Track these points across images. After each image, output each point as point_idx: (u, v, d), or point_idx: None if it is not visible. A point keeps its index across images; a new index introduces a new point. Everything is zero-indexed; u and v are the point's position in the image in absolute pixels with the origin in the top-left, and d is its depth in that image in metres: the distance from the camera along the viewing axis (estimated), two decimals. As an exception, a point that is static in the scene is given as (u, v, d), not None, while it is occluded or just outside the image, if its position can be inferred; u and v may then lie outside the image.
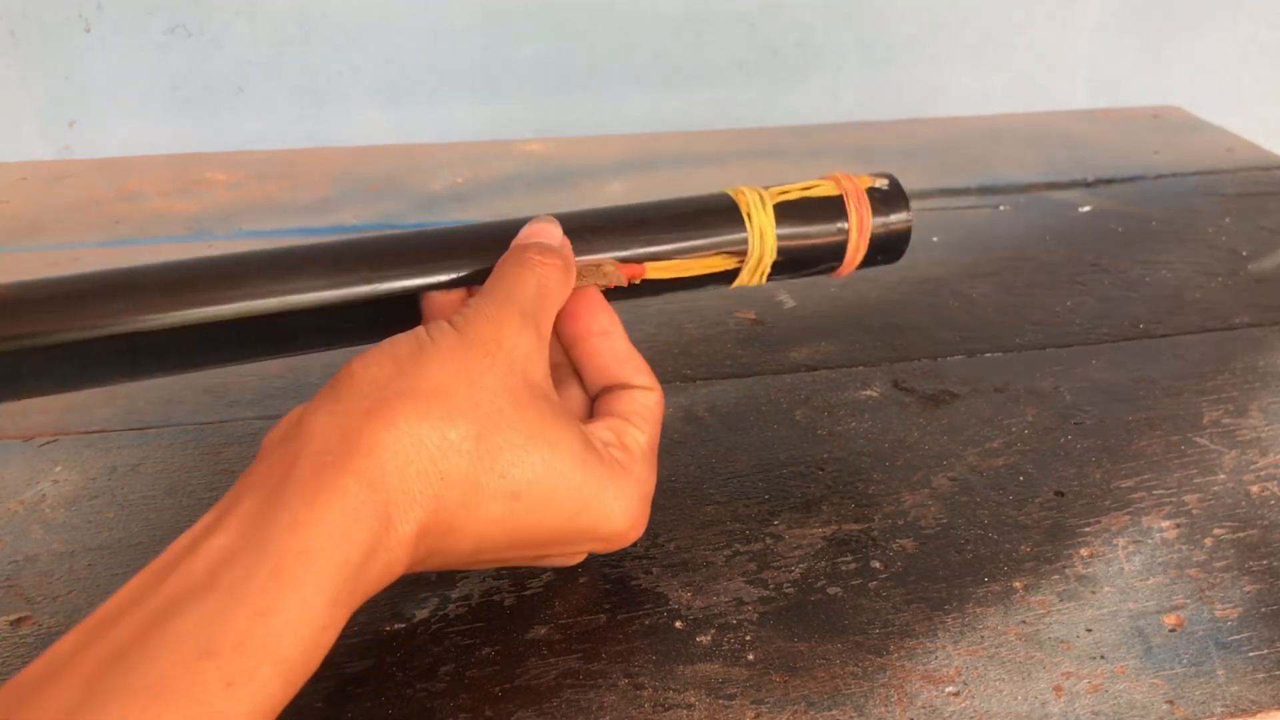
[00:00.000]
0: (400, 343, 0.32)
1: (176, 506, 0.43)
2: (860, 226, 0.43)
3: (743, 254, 0.41)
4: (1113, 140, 0.87)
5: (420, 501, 0.30)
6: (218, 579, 0.26)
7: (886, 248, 0.45)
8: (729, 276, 0.42)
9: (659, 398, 0.37)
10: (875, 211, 0.43)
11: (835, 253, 0.44)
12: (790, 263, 0.43)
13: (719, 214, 0.42)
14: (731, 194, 0.42)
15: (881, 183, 0.44)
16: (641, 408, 0.37)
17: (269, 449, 0.30)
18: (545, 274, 0.35)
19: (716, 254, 0.41)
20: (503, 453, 0.31)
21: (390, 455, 0.29)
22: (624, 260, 0.40)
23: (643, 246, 0.40)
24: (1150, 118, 0.93)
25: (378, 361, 0.31)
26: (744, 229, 0.41)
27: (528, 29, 0.94)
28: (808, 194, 0.42)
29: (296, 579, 0.27)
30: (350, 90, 0.93)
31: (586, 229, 0.40)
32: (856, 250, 0.44)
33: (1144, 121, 0.92)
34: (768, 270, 0.42)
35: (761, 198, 0.42)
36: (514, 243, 0.38)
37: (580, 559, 0.39)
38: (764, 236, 0.41)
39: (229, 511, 0.28)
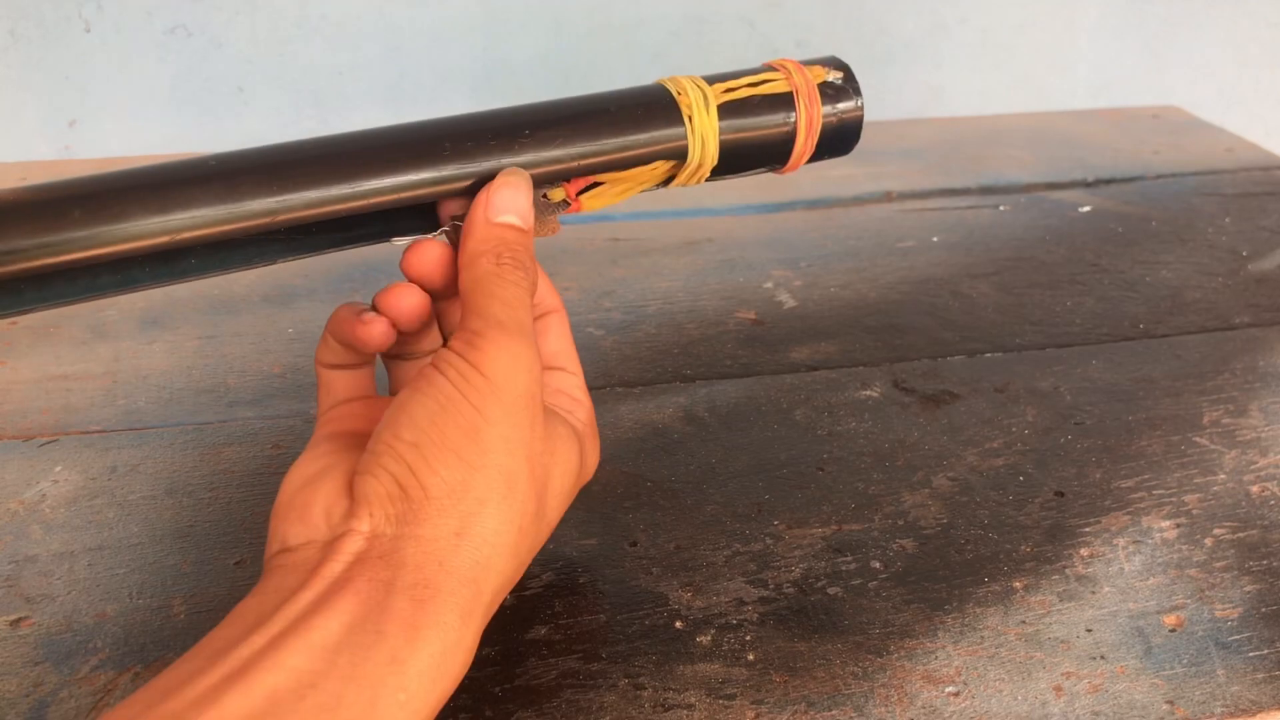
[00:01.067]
0: (447, 418, 0.30)
1: (176, 506, 0.43)
2: (809, 126, 0.39)
3: (680, 159, 0.37)
4: (1113, 140, 0.87)
5: (499, 578, 0.30)
6: (306, 705, 0.25)
7: (835, 143, 0.40)
8: (663, 183, 0.38)
9: (564, 323, 0.39)
10: (825, 101, 0.39)
11: (781, 153, 0.39)
12: (731, 164, 0.38)
13: (657, 112, 0.36)
14: (670, 88, 0.37)
15: (835, 75, 0.39)
16: (555, 353, 0.38)
17: (338, 558, 0.28)
18: (528, 283, 0.33)
19: (655, 161, 0.37)
20: (554, 496, 0.33)
21: (478, 566, 0.29)
22: (554, 180, 0.36)
23: (576, 160, 0.35)
24: (1150, 118, 0.93)
25: (444, 463, 0.29)
26: (683, 129, 0.37)
27: (528, 29, 0.94)
28: (756, 91, 0.38)
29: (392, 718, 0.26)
30: (350, 90, 0.93)
31: (513, 142, 0.35)
32: (803, 151, 0.39)
33: (1144, 121, 0.92)
34: (706, 175, 0.38)
35: (705, 96, 0.37)
36: (483, 216, 0.33)
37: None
38: (706, 143, 0.37)
39: (304, 626, 0.26)
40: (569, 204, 0.36)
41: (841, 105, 0.39)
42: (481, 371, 0.30)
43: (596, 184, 0.37)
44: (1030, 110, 1.02)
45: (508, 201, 0.33)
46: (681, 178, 0.38)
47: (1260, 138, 0.88)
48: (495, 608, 0.31)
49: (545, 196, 0.35)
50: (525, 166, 0.34)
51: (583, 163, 0.35)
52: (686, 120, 0.37)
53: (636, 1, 0.95)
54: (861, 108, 0.40)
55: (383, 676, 0.26)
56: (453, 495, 0.29)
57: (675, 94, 0.37)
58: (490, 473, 0.29)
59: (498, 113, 0.35)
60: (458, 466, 0.29)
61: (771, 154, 0.39)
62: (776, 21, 1.00)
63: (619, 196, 0.37)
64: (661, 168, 0.37)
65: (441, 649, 0.27)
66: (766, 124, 0.38)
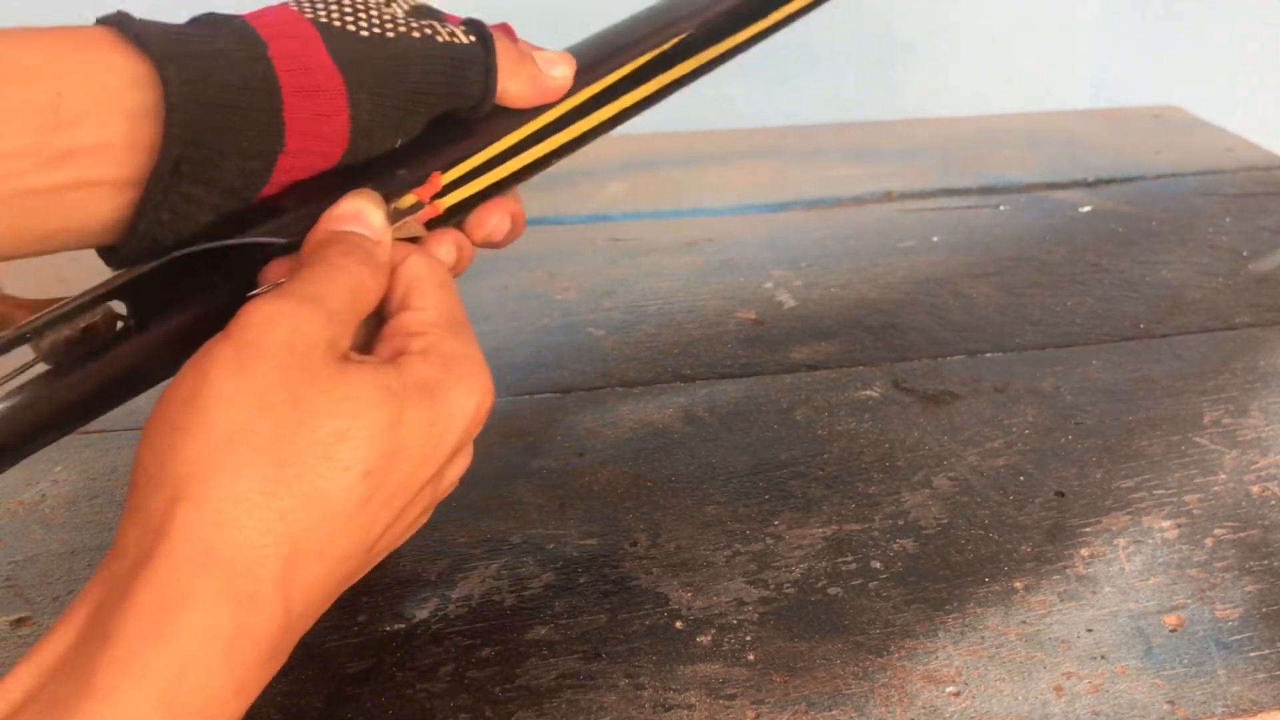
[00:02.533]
0: (170, 391, 0.28)
1: (176, 506, 0.43)
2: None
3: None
4: (1113, 140, 0.87)
5: (269, 555, 0.26)
6: None
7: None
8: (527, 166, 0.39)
9: (421, 261, 0.33)
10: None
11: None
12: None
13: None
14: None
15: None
16: (406, 291, 0.33)
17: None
18: (359, 279, 0.31)
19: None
20: (324, 445, 0.27)
21: (218, 532, 0.26)
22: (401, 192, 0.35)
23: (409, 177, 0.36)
24: (1150, 118, 0.93)
25: (157, 433, 0.27)
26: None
27: (527, 29, 0.94)
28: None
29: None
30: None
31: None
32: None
33: (1144, 121, 0.92)
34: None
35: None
36: (324, 226, 0.32)
37: (469, 456, 0.35)
38: None
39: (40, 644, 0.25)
40: (423, 205, 0.36)
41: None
42: (226, 334, 0.28)
43: (453, 187, 0.37)
44: (1030, 110, 1.02)
45: (354, 208, 0.33)
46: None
47: (1261, 138, 0.88)
48: (320, 587, 0.28)
49: (395, 207, 0.35)
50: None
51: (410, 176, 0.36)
52: None
53: (636, 3, 0.95)
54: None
55: (114, 674, 0.24)
56: (163, 465, 0.27)
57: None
58: (209, 432, 0.27)
59: None
60: (169, 434, 0.27)
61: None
62: (776, 21, 1.00)
63: (477, 188, 0.38)
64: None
65: (192, 620, 0.25)
66: None
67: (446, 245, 0.37)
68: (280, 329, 0.28)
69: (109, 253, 0.31)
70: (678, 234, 0.68)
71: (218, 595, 0.25)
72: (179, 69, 0.29)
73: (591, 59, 0.41)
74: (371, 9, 0.34)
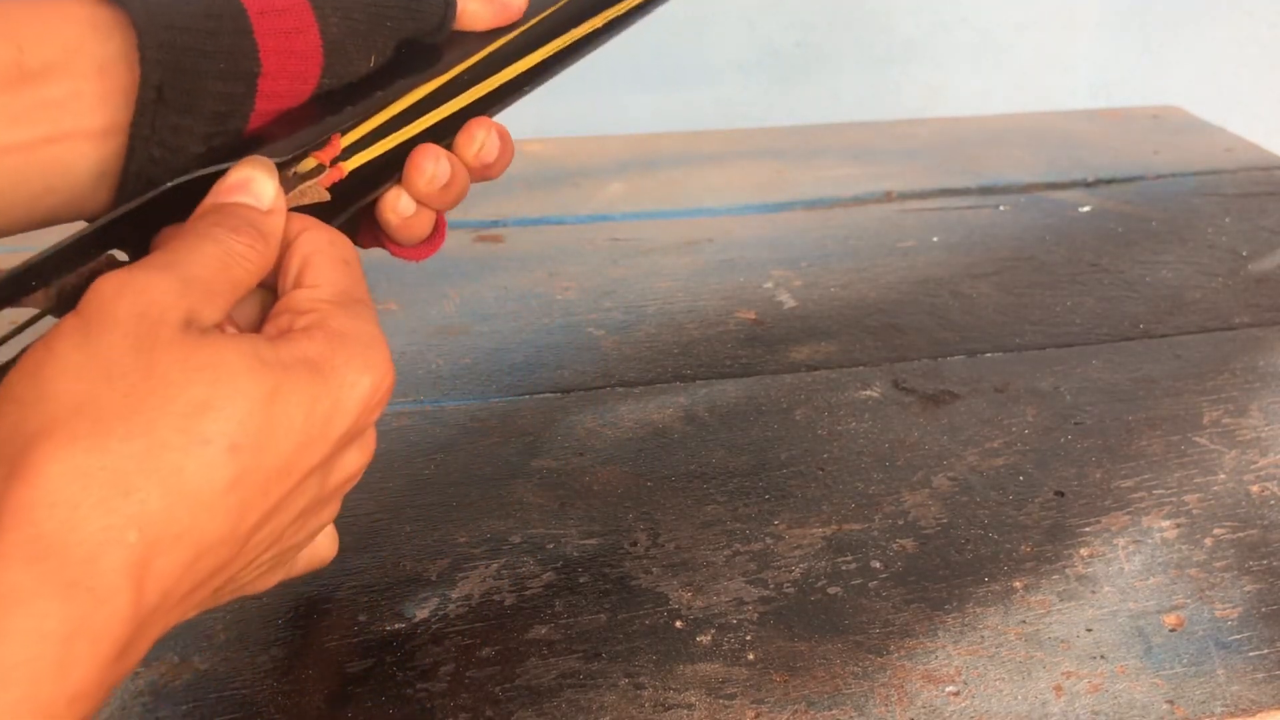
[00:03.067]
0: (19, 367, 0.25)
1: (177, 506, 0.43)
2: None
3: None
4: (1113, 140, 0.87)
5: (114, 540, 0.23)
6: None
7: None
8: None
9: (319, 235, 0.31)
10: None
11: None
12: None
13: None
14: None
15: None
16: (301, 267, 0.30)
17: None
18: (230, 249, 0.28)
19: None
20: (181, 416, 0.25)
21: (49, 518, 0.23)
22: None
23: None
24: (1150, 118, 0.93)
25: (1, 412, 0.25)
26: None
27: None
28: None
29: None
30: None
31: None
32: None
33: (1144, 121, 0.92)
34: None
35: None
36: (211, 199, 0.30)
37: (369, 448, 0.31)
38: None
39: None
40: (324, 169, 0.34)
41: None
42: (75, 308, 0.26)
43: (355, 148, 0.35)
44: (1030, 110, 1.02)
45: (244, 178, 0.30)
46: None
47: (1260, 138, 0.88)
48: (183, 578, 0.25)
49: (294, 173, 0.34)
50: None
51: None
52: None
53: (636, 1, 0.95)
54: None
55: None
56: (3, 441, 0.24)
57: None
58: (49, 404, 0.24)
59: None
60: (7, 408, 0.25)
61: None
62: (776, 21, 1.00)
63: (382, 149, 0.36)
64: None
65: (15, 622, 0.22)
66: None
67: (437, 160, 0.35)
68: (130, 298, 0.25)
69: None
70: (678, 234, 0.68)
71: (48, 589, 0.22)
72: (142, 3, 0.29)
73: None
74: None
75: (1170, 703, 0.35)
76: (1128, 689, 0.35)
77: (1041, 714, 0.34)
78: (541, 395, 0.51)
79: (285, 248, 0.31)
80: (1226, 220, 0.71)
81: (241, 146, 0.32)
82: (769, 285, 0.62)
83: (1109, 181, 0.78)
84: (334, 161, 0.34)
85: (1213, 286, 0.63)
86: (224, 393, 0.25)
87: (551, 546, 0.41)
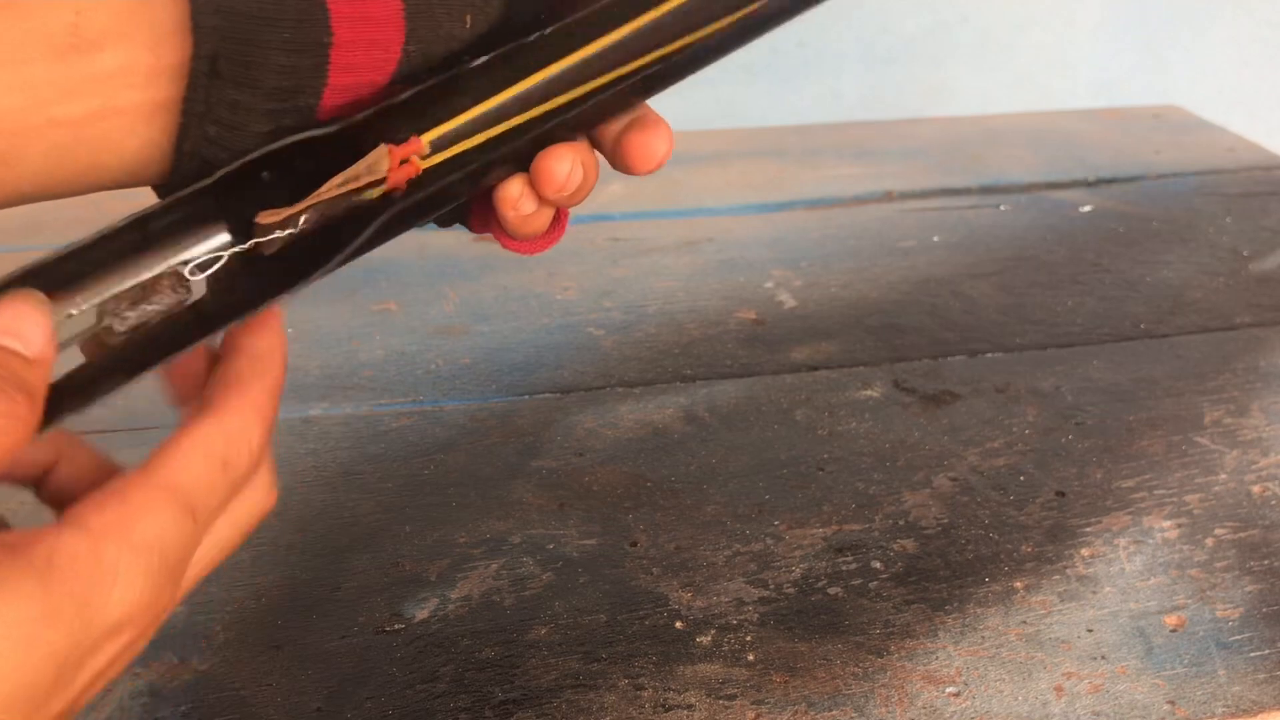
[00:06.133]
0: None
1: (176, 507, 0.43)
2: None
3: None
4: (1114, 140, 0.87)
5: None
6: None
7: None
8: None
9: (213, 431, 0.27)
10: None
11: None
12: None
13: None
14: None
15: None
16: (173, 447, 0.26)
17: None
18: None
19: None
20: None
21: None
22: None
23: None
24: (1151, 118, 0.93)
25: None
26: None
27: (528, 29, 0.94)
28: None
29: None
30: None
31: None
32: None
33: (1145, 121, 0.92)
34: None
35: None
36: None
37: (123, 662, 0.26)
38: None
39: None
40: (388, 171, 0.28)
41: None
42: None
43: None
44: (1031, 110, 1.02)
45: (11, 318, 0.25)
46: None
47: (1261, 138, 0.88)
48: None
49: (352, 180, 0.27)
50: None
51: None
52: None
53: (637, 1, 0.95)
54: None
55: None
56: None
57: None
58: None
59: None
60: None
61: None
62: (777, 21, 1.00)
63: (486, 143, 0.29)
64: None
65: None
66: None
67: (572, 163, 0.30)
68: None
69: (161, 191, 0.28)
70: (678, 234, 0.68)
71: None
72: None
73: None
74: None
75: (1171, 703, 0.35)
76: (1129, 689, 0.35)
77: (1042, 714, 0.34)
78: (541, 395, 0.51)
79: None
80: (1228, 220, 0.71)
81: (315, 124, 0.27)
82: (769, 285, 0.62)
83: (1110, 181, 0.78)
84: (404, 162, 0.28)
85: (1214, 286, 0.62)
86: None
87: (551, 547, 0.41)
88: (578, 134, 0.31)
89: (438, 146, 0.29)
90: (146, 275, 0.26)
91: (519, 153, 0.30)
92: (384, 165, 0.28)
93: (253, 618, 0.37)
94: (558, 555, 0.40)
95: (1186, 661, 0.36)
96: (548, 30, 0.30)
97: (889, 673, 0.36)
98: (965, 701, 0.35)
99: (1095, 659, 0.36)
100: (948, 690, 0.35)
